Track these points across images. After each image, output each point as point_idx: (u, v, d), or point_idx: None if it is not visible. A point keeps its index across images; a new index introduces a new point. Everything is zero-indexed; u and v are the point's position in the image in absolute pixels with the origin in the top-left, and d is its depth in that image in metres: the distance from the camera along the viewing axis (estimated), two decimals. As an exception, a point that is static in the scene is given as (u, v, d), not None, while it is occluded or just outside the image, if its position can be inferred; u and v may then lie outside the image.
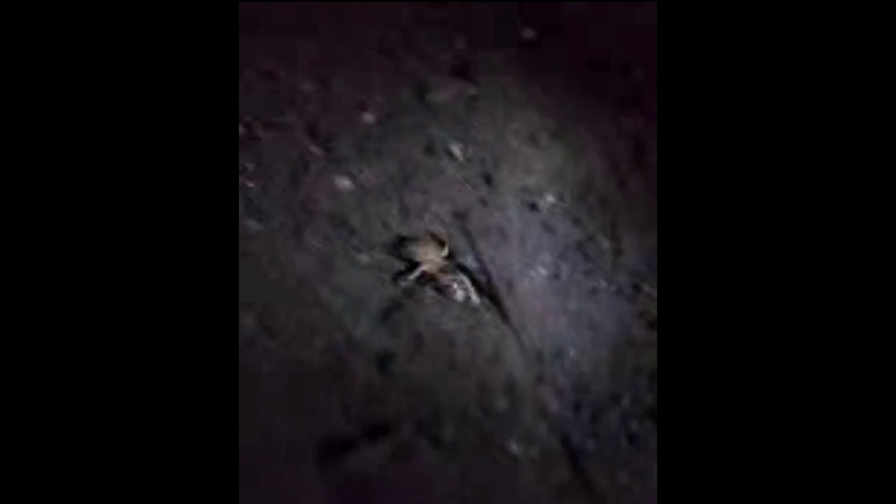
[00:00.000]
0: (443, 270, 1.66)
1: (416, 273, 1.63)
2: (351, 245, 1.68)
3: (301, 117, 1.94)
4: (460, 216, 1.80)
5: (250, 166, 1.80)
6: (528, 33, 2.41)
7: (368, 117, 1.98)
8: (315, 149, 1.88)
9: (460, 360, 1.48)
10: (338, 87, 2.03)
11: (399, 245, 1.70)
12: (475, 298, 1.64)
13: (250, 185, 1.75)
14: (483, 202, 1.85)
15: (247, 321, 1.41)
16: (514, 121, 2.06)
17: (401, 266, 1.66)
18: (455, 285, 1.64)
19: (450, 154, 1.93)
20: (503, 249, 1.75)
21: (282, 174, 1.80)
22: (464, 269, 1.68)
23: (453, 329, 1.55)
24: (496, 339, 1.55)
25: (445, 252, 1.69)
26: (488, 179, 1.90)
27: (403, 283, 1.62)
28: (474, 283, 1.66)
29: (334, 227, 1.70)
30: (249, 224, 1.63)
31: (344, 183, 1.81)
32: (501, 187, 1.90)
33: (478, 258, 1.70)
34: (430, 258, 1.66)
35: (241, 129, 1.88)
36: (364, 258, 1.66)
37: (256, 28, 2.11)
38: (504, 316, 1.59)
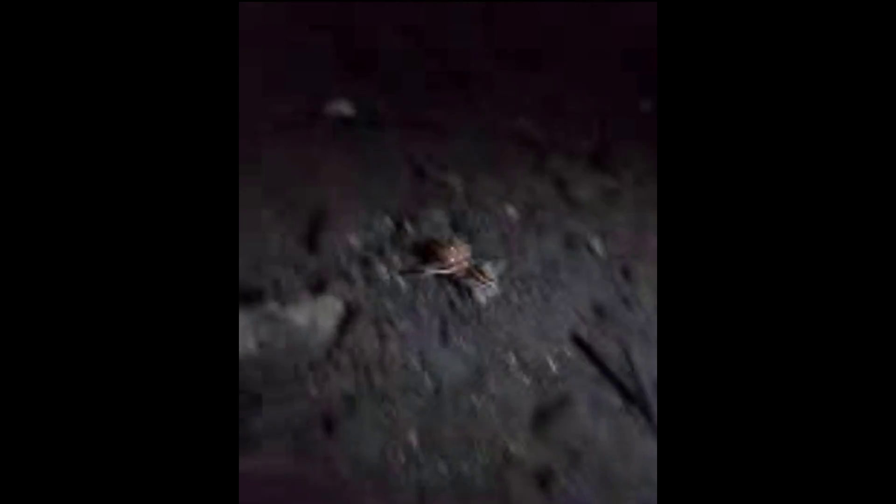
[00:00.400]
0: (468, 272, 1.70)
1: (441, 271, 1.69)
2: (498, 345, 1.64)
3: (447, 212, 1.94)
4: (602, 313, 1.74)
5: (398, 261, 1.80)
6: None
7: (511, 212, 1.96)
8: (459, 242, 1.87)
9: (617, 481, 1.41)
10: (482, 181, 2.03)
11: (427, 248, 1.75)
12: (496, 290, 1.70)
13: (401, 282, 1.75)
14: (625, 300, 1.78)
15: (411, 437, 1.39)
16: (650, 214, 1.98)
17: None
18: (477, 286, 1.70)
19: (590, 249, 1.88)
20: (647, 351, 1.66)
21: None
22: (611, 376, 1.61)
23: (605, 442, 1.48)
24: (648, 455, 1.46)
25: (469, 254, 1.73)
26: (627, 274, 1.83)
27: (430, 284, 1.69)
28: (621, 389, 1.58)
29: (480, 325, 1.67)
30: (405, 326, 1.63)
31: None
32: (640, 282, 1.82)
33: (627, 362, 1.62)
34: (455, 260, 1.70)
35: (389, 222, 1.90)
36: (511, 359, 1.62)
37: (407, 124, 2.15)
38: (655, 430, 1.50)
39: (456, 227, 1.90)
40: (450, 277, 1.70)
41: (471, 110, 2.34)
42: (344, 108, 2.10)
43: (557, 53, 2.67)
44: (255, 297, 1.44)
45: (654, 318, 1.73)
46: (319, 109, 2.13)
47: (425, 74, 2.47)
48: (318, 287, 1.68)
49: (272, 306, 1.31)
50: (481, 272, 1.71)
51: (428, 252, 1.77)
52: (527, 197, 2.00)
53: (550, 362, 1.61)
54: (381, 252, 1.82)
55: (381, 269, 1.76)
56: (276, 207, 1.85)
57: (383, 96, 2.28)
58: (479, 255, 1.83)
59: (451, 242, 1.76)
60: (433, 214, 1.92)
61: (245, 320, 1.28)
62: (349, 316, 1.56)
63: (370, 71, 2.43)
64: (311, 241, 1.79)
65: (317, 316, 1.37)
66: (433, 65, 2.53)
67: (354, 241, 1.83)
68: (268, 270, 1.69)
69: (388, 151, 2.07)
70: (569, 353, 1.63)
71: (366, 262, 1.78)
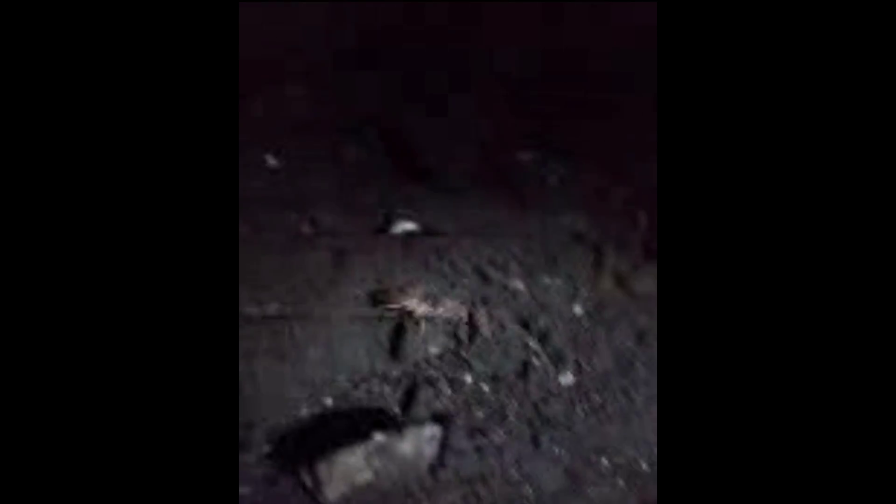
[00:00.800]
0: (429, 313, 1.82)
1: (398, 309, 1.83)
2: (588, 448, 1.64)
3: (515, 312, 1.97)
4: (683, 409, 1.73)
5: (479, 366, 1.82)
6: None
7: (577, 310, 1.99)
8: (533, 343, 1.89)
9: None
10: (544, 281, 2.07)
11: (384, 294, 1.87)
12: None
13: (485, 387, 1.77)
14: (702, 392, 1.77)
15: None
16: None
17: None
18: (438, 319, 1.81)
19: (661, 343, 1.89)
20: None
21: (507, 371, 1.82)
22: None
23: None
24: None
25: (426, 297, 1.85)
26: (700, 365, 1.84)
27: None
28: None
29: (569, 430, 1.68)
30: (497, 436, 1.64)
31: (567, 379, 1.80)
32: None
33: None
34: (413, 301, 1.82)
35: (463, 328, 1.92)
36: (603, 462, 1.62)
37: (466, 231, 2.21)
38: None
39: (526, 327, 1.93)
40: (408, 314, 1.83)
41: (521, 209, 2.41)
42: (408, 224, 2.18)
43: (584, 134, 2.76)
44: (365, 426, 1.48)
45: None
46: (387, 226, 2.21)
47: (474, 174, 2.56)
48: (408, 397, 1.70)
49: (380, 438, 1.35)
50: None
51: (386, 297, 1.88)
52: (590, 294, 2.03)
53: (642, 463, 1.60)
54: (458, 355, 1.84)
55: (465, 377, 1.78)
56: (361, 319, 1.89)
57: (439, 204, 2.36)
58: (551, 355, 1.85)
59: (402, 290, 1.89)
60: (502, 318, 1.95)
61: (360, 455, 1.32)
62: (445, 432, 1.57)
63: (423, 178, 2.53)
64: (396, 352, 1.83)
65: (420, 442, 1.41)
66: (476, 158, 2.62)
67: (434, 348, 1.86)
68: (364, 385, 1.72)
69: (452, 258, 2.12)
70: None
71: (448, 369, 1.80)
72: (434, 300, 1.88)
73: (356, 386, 1.74)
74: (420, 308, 1.86)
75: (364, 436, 1.40)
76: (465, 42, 3.15)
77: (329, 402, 1.69)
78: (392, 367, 1.80)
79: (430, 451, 1.43)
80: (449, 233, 2.18)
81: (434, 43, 3.13)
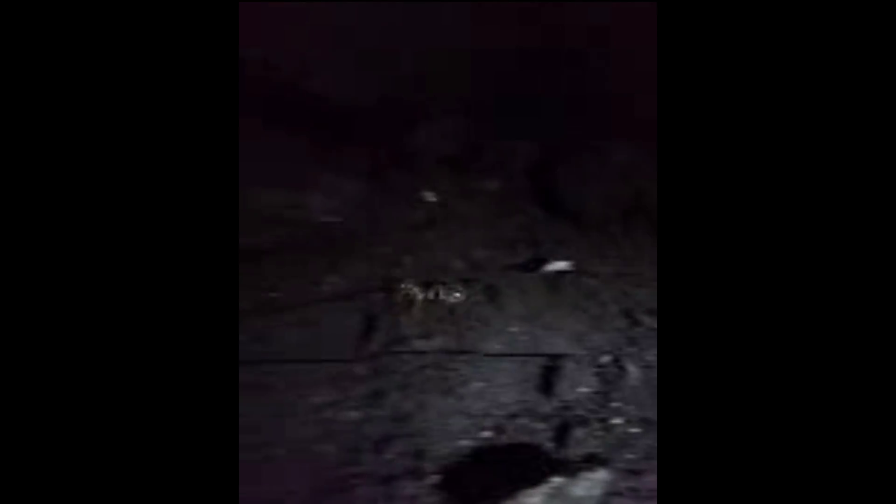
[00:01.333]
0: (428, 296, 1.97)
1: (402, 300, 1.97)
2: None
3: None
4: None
5: (627, 408, 1.84)
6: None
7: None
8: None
9: None
10: (695, 327, 2.04)
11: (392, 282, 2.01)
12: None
13: (634, 430, 1.79)
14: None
15: None
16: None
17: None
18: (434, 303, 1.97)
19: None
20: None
21: (655, 415, 1.82)
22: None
23: None
24: None
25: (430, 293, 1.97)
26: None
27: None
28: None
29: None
30: (648, 479, 1.65)
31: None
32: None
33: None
34: (415, 293, 1.99)
35: (613, 368, 1.95)
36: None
37: (615, 274, 2.24)
38: None
39: (676, 372, 1.92)
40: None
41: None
42: (560, 263, 2.24)
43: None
44: (527, 463, 1.55)
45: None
46: (535, 263, 2.28)
47: (620, 213, 2.57)
48: (561, 435, 1.76)
49: (557, 481, 1.43)
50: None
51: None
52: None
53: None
54: (606, 396, 1.87)
55: (615, 418, 1.81)
56: (512, 355, 1.97)
57: (587, 244, 2.39)
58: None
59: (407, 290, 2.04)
60: (650, 362, 1.96)
61: (539, 499, 1.40)
62: (606, 475, 1.60)
63: (568, 215, 2.57)
64: (548, 390, 1.89)
65: (590, 485, 1.47)
66: (620, 196, 2.62)
67: (583, 388, 1.90)
68: (517, 420, 1.80)
69: (602, 299, 2.15)
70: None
71: (597, 409, 1.84)
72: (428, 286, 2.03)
73: (510, 420, 1.81)
74: (419, 292, 2.01)
75: (538, 476, 1.48)
76: (605, 71, 3.16)
77: (487, 434, 1.78)
78: (542, 403, 1.86)
79: (596, 492, 1.49)
80: (598, 274, 2.22)
81: (573, 76, 3.17)
